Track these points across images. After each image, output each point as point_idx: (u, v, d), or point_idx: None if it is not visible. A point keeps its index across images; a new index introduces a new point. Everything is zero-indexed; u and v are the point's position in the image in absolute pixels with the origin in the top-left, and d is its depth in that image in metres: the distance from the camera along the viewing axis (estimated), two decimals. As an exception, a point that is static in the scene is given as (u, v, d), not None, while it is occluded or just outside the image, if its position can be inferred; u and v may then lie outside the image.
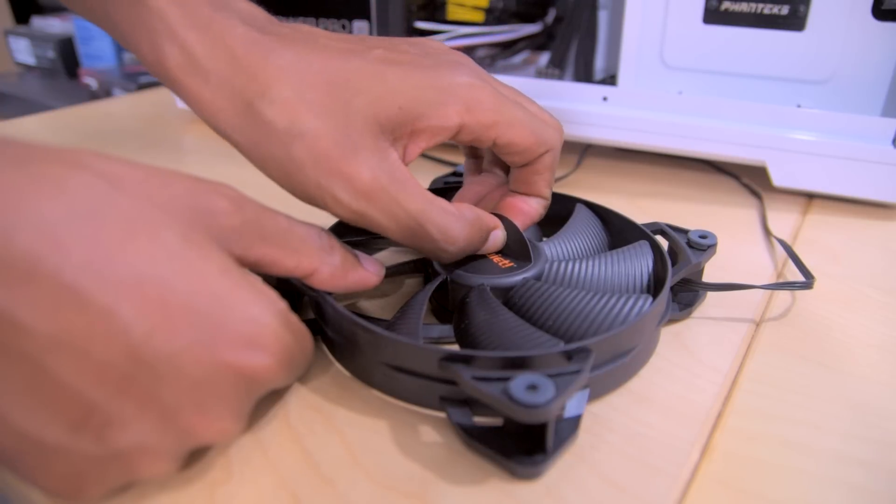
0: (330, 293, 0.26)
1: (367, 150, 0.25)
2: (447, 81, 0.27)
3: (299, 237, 0.24)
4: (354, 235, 0.32)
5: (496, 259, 0.30)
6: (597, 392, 0.25)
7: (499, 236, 0.30)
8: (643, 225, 0.33)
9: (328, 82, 0.25)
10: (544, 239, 0.33)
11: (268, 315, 0.21)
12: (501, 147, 0.29)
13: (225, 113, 0.26)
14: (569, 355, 0.23)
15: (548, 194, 0.32)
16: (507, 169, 0.33)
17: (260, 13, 0.28)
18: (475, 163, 0.35)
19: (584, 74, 0.52)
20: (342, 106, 0.25)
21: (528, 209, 0.31)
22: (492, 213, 0.30)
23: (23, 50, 1.20)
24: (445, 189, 0.37)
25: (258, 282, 0.22)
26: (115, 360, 0.18)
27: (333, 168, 0.25)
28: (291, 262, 0.24)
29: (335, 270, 0.25)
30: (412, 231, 0.26)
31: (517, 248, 0.30)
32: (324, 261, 0.25)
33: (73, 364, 0.17)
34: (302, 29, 0.27)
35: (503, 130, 0.28)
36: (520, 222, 0.31)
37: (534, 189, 0.31)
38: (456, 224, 0.27)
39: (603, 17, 0.51)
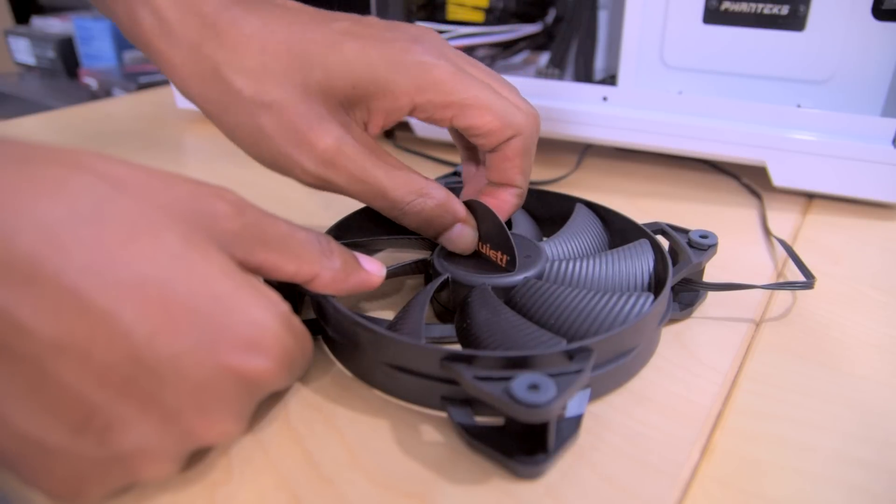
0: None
1: (330, 120, 0.26)
2: (400, 59, 0.27)
3: (299, 242, 0.24)
4: (353, 237, 0.32)
5: (494, 256, 0.30)
6: (597, 392, 0.25)
7: (466, 232, 0.30)
8: (644, 225, 0.33)
9: (289, 52, 0.26)
10: (544, 239, 0.33)
11: (269, 318, 0.21)
12: (463, 129, 0.29)
13: (195, 79, 0.26)
14: (570, 355, 0.23)
15: (520, 182, 0.31)
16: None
17: None
18: (471, 154, 0.34)
19: (584, 74, 0.52)
20: (302, 78, 0.26)
21: (498, 203, 0.31)
22: (472, 200, 0.30)
23: (23, 50, 1.20)
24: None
25: (260, 284, 0.22)
26: (117, 362, 0.18)
27: (298, 138, 0.26)
28: (292, 268, 0.24)
29: (336, 274, 0.25)
30: (375, 196, 0.28)
31: (497, 236, 0.30)
32: (324, 265, 0.25)
33: (75, 366, 0.17)
34: None
35: (459, 111, 0.28)
36: None
37: (505, 177, 0.31)
38: (418, 199, 0.28)
39: (603, 17, 0.51)
